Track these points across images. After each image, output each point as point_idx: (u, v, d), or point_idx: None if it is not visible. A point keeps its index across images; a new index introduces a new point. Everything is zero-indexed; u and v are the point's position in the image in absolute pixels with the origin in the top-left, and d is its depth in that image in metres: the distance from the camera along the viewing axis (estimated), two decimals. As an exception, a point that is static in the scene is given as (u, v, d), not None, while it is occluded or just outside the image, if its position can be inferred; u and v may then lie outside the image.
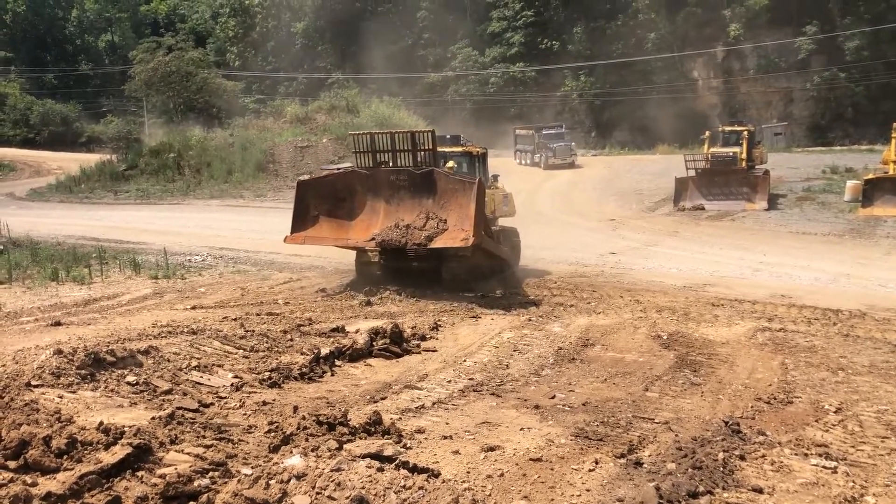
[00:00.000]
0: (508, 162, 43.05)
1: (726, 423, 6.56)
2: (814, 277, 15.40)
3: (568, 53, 65.07)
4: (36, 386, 6.88)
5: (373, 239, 13.12)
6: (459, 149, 15.01)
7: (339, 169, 15.85)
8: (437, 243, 12.54)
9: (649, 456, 5.79)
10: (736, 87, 62.40)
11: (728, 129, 30.91)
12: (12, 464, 4.73)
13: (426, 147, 13.33)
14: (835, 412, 7.15)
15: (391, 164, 13.70)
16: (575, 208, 28.79)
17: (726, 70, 62.65)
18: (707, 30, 61.56)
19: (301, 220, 13.81)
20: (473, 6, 70.81)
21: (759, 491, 5.25)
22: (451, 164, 14.03)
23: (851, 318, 11.52)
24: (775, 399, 7.52)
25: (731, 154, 28.49)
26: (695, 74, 64.43)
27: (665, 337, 10.17)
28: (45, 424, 5.56)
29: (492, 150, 19.89)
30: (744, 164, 28.34)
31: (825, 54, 57.04)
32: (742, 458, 5.81)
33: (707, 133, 31.12)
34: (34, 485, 4.46)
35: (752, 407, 7.27)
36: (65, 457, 4.94)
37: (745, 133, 29.12)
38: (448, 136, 15.42)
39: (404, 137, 13.59)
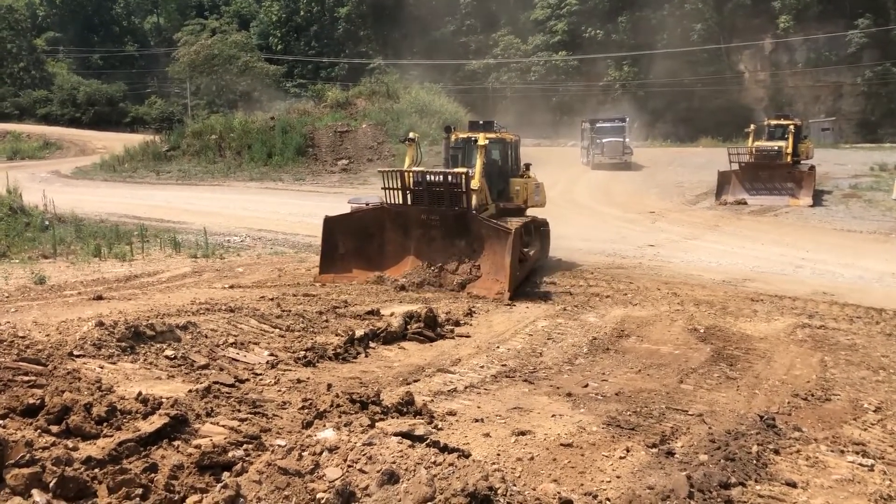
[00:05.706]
0: (569, 153, 42.06)
1: (761, 417, 6.48)
2: (857, 276, 15.08)
3: (612, 43, 64.21)
4: (78, 356, 7.07)
5: (405, 278, 12.72)
6: (493, 135, 14.81)
7: (367, 205, 15.37)
8: (471, 290, 12.25)
9: (681, 447, 5.74)
10: (783, 80, 61.06)
11: (774, 122, 30.19)
12: (55, 428, 4.86)
13: (460, 189, 12.70)
14: (874, 411, 7.03)
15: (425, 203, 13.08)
16: (614, 199, 28.50)
17: (774, 63, 61.34)
18: (755, 21, 60.28)
19: (329, 259, 13.23)
20: (517, -7, 70.31)
21: (793, 485, 5.17)
22: (482, 141, 13.74)
23: (895, 317, 11.26)
24: (813, 396, 7.41)
25: (776, 148, 27.85)
26: (741, 67, 63.19)
27: (702, 330, 10.06)
28: (86, 392, 5.71)
29: (528, 139, 19.75)
30: (789, 158, 27.65)
31: (878, 48, 55.46)
32: (776, 452, 5.74)
33: (752, 126, 30.33)
34: (75, 449, 4.57)
35: (788, 403, 7.17)
36: (104, 424, 5.05)
37: (792, 127, 28.39)
38: (481, 122, 15.24)
39: (437, 178, 13.03)
